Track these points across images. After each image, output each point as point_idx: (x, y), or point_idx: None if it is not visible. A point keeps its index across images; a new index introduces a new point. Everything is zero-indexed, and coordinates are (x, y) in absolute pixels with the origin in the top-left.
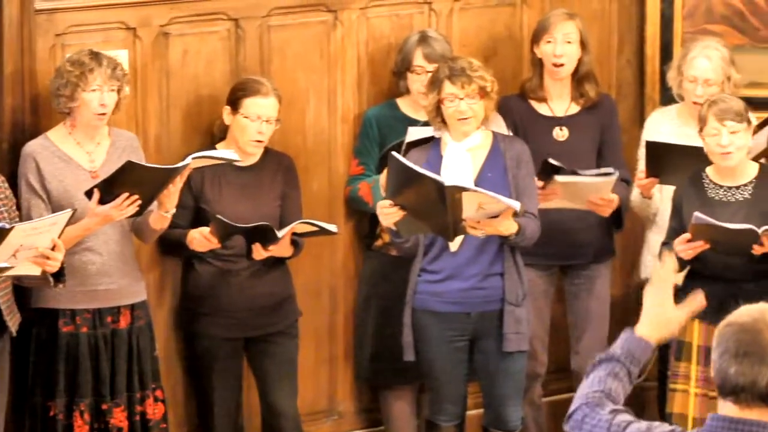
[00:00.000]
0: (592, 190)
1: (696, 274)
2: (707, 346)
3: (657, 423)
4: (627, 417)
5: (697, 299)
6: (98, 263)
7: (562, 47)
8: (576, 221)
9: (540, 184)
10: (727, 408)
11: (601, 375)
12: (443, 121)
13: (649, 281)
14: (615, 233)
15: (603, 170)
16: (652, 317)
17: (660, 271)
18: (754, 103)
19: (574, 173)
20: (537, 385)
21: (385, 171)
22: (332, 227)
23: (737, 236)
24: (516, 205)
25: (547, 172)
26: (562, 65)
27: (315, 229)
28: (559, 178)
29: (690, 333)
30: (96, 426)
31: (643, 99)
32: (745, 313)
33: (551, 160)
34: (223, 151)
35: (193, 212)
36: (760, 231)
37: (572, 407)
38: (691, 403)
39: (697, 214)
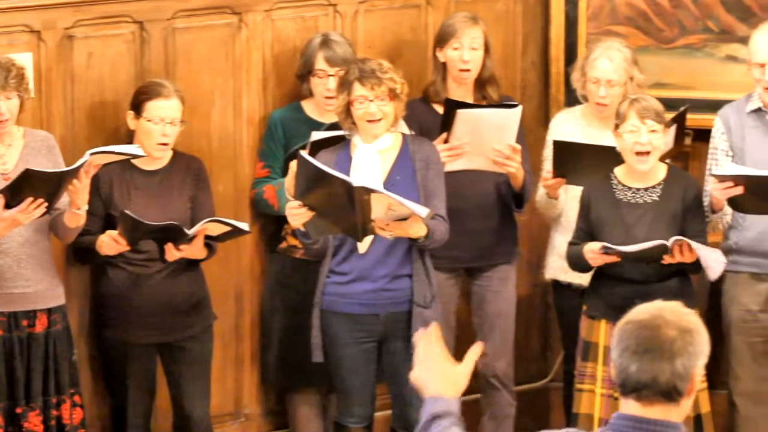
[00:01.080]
0: (496, 129)
1: (602, 274)
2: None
3: None
4: None
5: (475, 350)
6: (14, 266)
7: (469, 53)
8: (480, 222)
9: (443, 137)
10: (630, 406)
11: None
12: (353, 123)
13: (418, 363)
14: (516, 213)
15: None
16: (439, 383)
17: (424, 349)
18: None
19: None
20: None
21: (289, 174)
22: (244, 225)
23: (649, 252)
24: (423, 212)
25: (450, 112)
26: (468, 71)
27: (228, 229)
28: (461, 111)
29: (596, 333)
30: (11, 430)
31: (548, 100)
32: (644, 310)
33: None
34: (124, 147)
35: (104, 219)
36: (669, 243)
37: None
38: (597, 404)
39: (605, 244)
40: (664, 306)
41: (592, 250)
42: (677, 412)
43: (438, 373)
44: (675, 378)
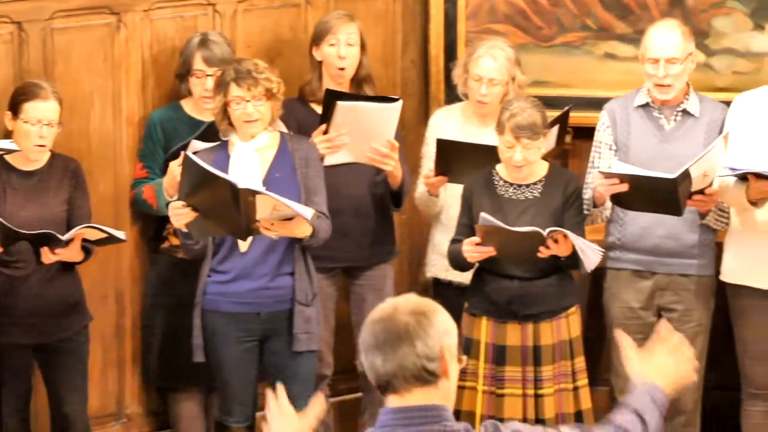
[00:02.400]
0: (376, 123)
1: (483, 272)
2: (495, 344)
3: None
4: None
5: (317, 404)
6: None
7: (346, 49)
8: (358, 221)
9: (322, 128)
10: (392, 401)
11: None
12: (230, 124)
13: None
14: (393, 211)
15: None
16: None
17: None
18: None
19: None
20: (324, 386)
21: (168, 174)
22: (121, 234)
23: (523, 238)
24: (308, 213)
25: (330, 103)
26: (344, 68)
27: (104, 235)
28: (341, 103)
29: (477, 330)
30: None
31: (428, 98)
32: (379, 309)
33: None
34: None
35: None
36: (545, 233)
37: None
38: (479, 401)
39: (483, 215)
40: (398, 299)
41: (469, 243)
42: (439, 395)
43: (286, 426)
44: (422, 359)
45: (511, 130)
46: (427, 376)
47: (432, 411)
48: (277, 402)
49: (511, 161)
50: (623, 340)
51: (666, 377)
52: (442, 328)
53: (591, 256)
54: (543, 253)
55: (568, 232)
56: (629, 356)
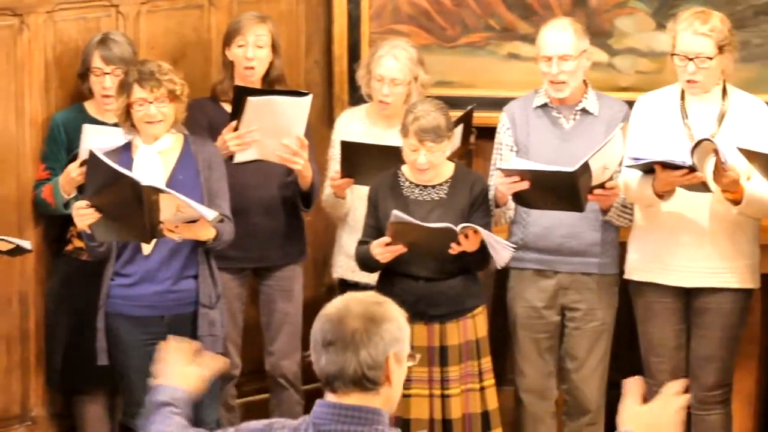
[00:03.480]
0: (286, 118)
1: (390, 273)
2: (431, 346)
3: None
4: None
5: (219, 363)
6: None
7: (254, 51)
8: (266, 222)
9: (233, 125)
10: (330, 396)
11: (166, 417)
12: (133, 125)
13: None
14: (303, 212)
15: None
16: (172, 375)
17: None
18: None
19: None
20: (231, 387)
21: (65, 172)
22: (26, 244)
23: (435, 235)
24: (211, 215)
25: (240, 100)
26: (253, 68)
27: (12, 246)
28: (252, 99)
29: None
30: None
31: (332, 99)
32: (334, 303)
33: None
34: None
35: None
36: (457, 229)
37: None
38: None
39: (395, 212)
40: (354, 296)
41: (378, 243)
42: (379, 400)
43: (173, 367)
44: (363, 368)
45: (415, 134)
46: (367, 384)
47: (368, 413)
48: (174, 348)
49: (416, 164)
50: (630, 388)
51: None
52: (389, 337)
53: (502, 251)
54: (454, 249)
55: (479, 228)
56: (627, 404)
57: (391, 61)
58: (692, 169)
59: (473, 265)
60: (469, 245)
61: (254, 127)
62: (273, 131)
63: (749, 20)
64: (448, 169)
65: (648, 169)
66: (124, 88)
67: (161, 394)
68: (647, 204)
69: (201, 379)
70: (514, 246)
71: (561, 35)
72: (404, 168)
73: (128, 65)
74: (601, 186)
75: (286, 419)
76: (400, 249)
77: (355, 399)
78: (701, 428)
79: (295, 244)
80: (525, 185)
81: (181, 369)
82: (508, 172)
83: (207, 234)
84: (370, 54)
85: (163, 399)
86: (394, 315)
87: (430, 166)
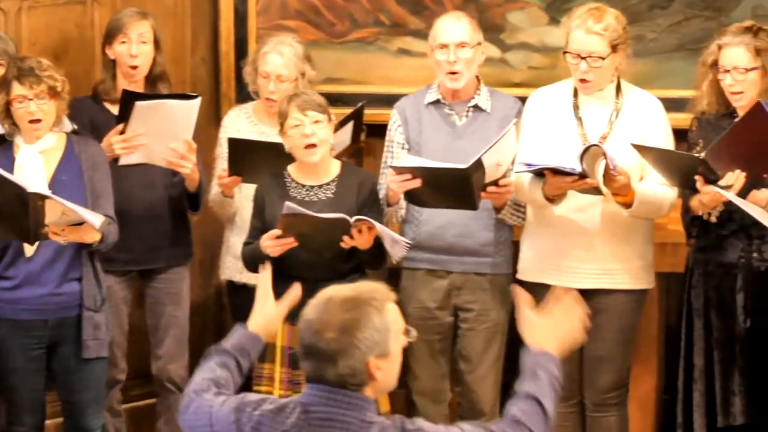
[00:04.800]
0: (174, 121)
1: (278, 274)
2: (291, 347)
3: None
4: (229, 396)
5: (293, 293)
6: None
7: (137, 47)
8: (152, 224)
9: (119, 128)
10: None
11: (212, 365)
12: (14, 124)
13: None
14: (191, 214)
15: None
16: (257, 313)
17: (260, 279)
18: (332, 99)
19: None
20: (116, 392)
21: None
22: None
23: (327, 227)
24: (98, 222)
25: (128, 104)
26: (137, 67)
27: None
28: (139, 104)
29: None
30: None
31: (219, 97)
32: (313, 306)
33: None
34: None
35: None
36: (351, 220)
37: (185, 398)
38: None
39: (288, 203)
40: (333, 297)
41: (268, 236)
42: (367, 390)
43: (261, 306)
44: (343, 377)
45: (297, 106)
46: (351, 386)
47: (357, 399)
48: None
49: (303, 138)
50: (521, 297)
51: (558, 340)
52: (367, 344)
53: (397, 246)
54: (346, 243)
55: (375, 222)
56: (527, 317)
57: (276, 58)
58: (581, 176)
59: (367, 264)
60: (362, 241)
61: (141, 131)
62: (160, 135)
63: (643, 14)
64: (335, 167)
65: (539, 172)
66: (3, 85)
67: (233, 338)
68: (539, 206)
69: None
70: (409, 242)
71: (457, 24)
72: (290, 168)
73: (7, 62)
74: (495, 183)
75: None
76: (290, 242)
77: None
78: (597, 430)
79: (182, 246)
80: (417, 183)
81: (265, 308)
82: (399, 170)
83: (92, 237)
84: (256, 50)
85: (228, 345)
86: (372, 317)
87: (317, 140)
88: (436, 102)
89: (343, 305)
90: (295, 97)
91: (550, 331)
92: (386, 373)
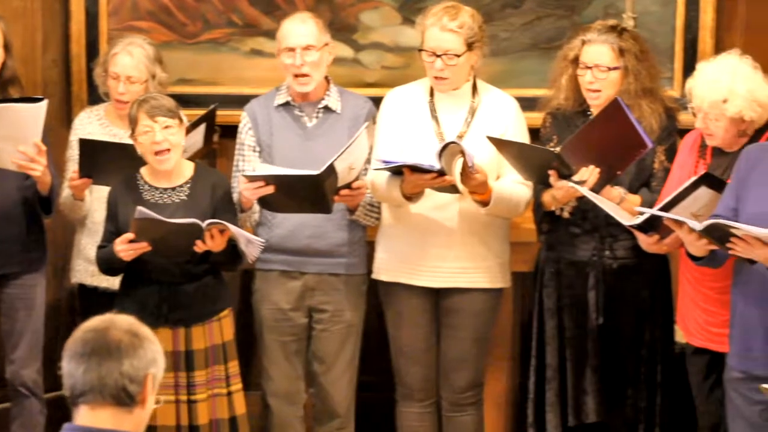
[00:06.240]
0: (21, 125)
1: (132, 276)
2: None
3: None
4: None
5: None
6: None
7: None
8: (4, 229)
9: None
10: (81, 414)
11: None
12: None
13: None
14: (45, 218)
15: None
16: None
17: None
18: (184, 101)
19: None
20: None
21: None
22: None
23: (180, 231)
24: None
25: None
26: None
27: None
28: None
29: None
30: None
31: (71, 99)
32: (96, 319)
33: None
34: None
35: None
36: (203, 225)
37: None
38: None
39: (139, 208)
40: (117, 317)
41: (122, 240)
42: (130, 421)
43: None
44: (124, 379)
45: (146, 112)
46: (124, 398)
47: None
48: None
49: (154, 145)
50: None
51: None
52: (151, 356)
53: (252, 246)
54: (199, 247)
55: (229, 224)
56: None
57: (126, 59)
58: (440, 173)
59: (222, 266)
60: (215, 244)
61: None
62: (8, 139)
63: (496, 14)
64: (188, 169)
65: (397, 170)
66: None
67: None
68: (396, 205)
69: None
70: (264, 241)
71: (303, 26)
72: (143, 171)
73: None
74: (348, 186)
75: None
76: (143, 247)
77: (108, 415)
78: (453, 430)
79: (36, 251)
80: (270, 190)
81: None
82: (252, 178)
83: None
84: (107, 52)
85: None
86: (155, 340)
87: (169, 145)
88: (286, 104)
89: (129, 320)
90: (144, 103)
91: None
92: (148, 407)
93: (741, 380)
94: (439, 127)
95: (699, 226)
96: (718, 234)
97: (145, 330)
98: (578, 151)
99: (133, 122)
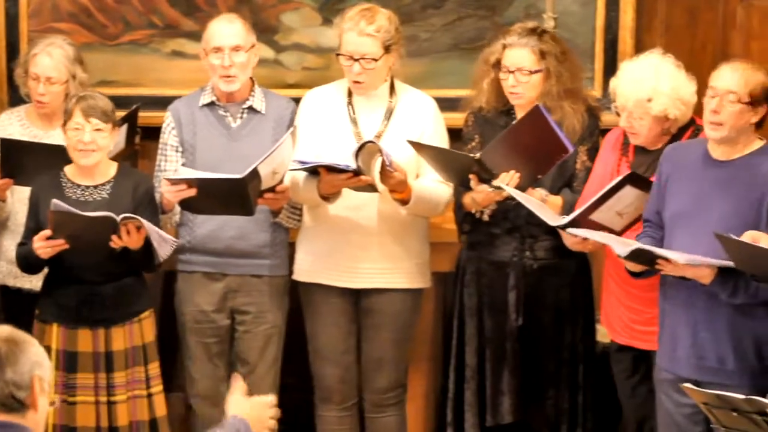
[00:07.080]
0: None
1: (54, 277)
2: (66, 351)
3: None
4: None
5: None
6: None
7: None
8: None
9: None
10: None
11: None
12: None
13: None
14: None
15: None
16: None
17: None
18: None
19: None
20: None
21: None
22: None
23: (95, 226)
24: None
25: None
26: None
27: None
28: None
29: (49, 338)
30: None
31: None
32: None
33: None
34: None
35: None
36: (118, 219)
37: None
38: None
39: (55, 201)
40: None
41: (39, 237)
42: (24, 423)
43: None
44: (10, 387)
45: (82, 110)
46: (13, 404)
47: (12, 428)
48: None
49: (80, 143)
50: (236, 384)
51: (256, 418)
52: (34, 359)
53: (165, 245)
54: (116, 242)
55: (143, 221)
56: (234, 395)
57: (46, 59)
58: (356, 173)
59: (140, 265)
60: (131, 241)
61: None
62: None
63: (417, 14)
64: (112, 169)
65: (313, 170)
66: None
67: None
68: (314, 205)
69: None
70: (177, 240)
71: (231, 27)
72: (67, 169)
73: None
74: (271, 190)
75: None
76: (60, 244)
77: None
78: (375, 431)
79: None
80: (192, 192)
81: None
82: (174, 181)
83: None
84: (26, 52)
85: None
86: (37, 343)
87: (95, 147)
88: (211, 104)
89: (7, 329)
90: (82, 100)
91: (248, 412)
92: (41, 410)
93: (669, 381)
94: (357, 127)
95: (623, 252)
96: (644, 258)
97: (23, 335)
98: (499, 155)
99: (67, 115)
